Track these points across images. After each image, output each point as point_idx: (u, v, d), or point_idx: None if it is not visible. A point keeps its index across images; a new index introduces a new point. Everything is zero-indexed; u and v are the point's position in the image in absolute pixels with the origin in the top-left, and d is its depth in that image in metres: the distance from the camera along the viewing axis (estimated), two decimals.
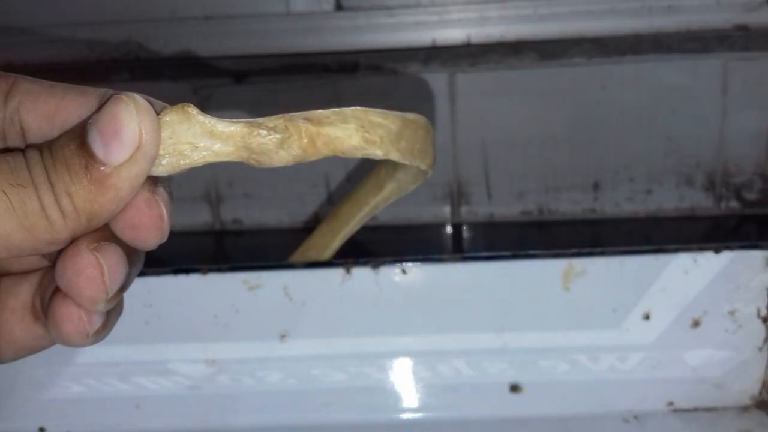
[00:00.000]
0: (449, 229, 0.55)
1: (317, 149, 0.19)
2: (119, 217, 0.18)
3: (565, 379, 0.42)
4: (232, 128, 0.19)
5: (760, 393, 0.42)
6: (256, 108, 0.53)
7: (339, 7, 0.50)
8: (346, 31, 0.51)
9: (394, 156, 0.20)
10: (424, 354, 0.42)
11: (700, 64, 0.50)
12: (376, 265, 0.41)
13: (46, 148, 0.18)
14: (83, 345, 0.19)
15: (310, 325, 0.41)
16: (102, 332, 0.19)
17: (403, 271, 0.41)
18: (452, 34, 0.51)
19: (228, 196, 0.56)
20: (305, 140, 0.19)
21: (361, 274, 0.40)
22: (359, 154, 0.19)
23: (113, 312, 0.20)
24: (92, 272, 0.18)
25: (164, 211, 0.19)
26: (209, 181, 0.54)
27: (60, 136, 0.18)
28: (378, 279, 0.41)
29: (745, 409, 0.41)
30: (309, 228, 0.56)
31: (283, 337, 0.42)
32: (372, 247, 0.42)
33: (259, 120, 0.19)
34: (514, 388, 0.42)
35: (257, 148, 0.19)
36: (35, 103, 0.19)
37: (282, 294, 0.41)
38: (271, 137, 0.19)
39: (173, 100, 0.54)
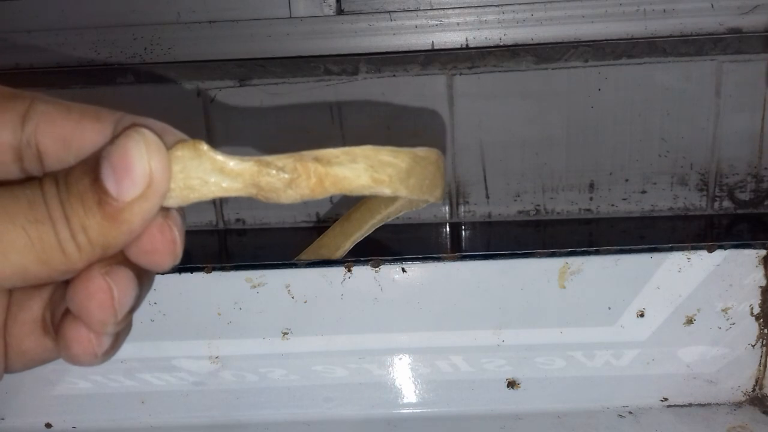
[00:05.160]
0: (448, 229, 0.56)
1: (325, 189, 0.19)
2: (133, 243, 0.18)
3: (561, 376, 0.42)
4: (242, 166, 0.19)
5: (754, 389, 0.42)
6: (258, 110, 0.54)
7: (340, 11, 0.51)
8: (347, 34, 0.51)
9: (403, 193, 0.20)
10: (423, 351, 0.42)
11: (694, 67, 0.51)
12: (376, 264, 0.41)
13: (63, 180, 0.18)
14: (92, 365, 0.19)
15: (312, 322, 0.42)
16: (111, 352, 0.19)
17: (403, 270, 0.41)
18: (451, 38, 0.51)
19: (231, 196, 0.56)
20: (313, 180, 0.19)
21: (362, 272, 0.41)
22: (367, 193, 0.19)
23: (122, 332, 0.20)
24: (103, 297, 0.18)
25: (177, 236, 0.19)
26: None
27: (75, 168, 0.18)
28: (378, 277, 0.41)
29: (738, 405, 0.42)
30: (310, 227, 0.57)
31: (285, 334, 0.42)
32: (372, 246, 0.43)
33: (269, 158, 0.19)
34: (512, 384, 0.43)
35: (266, 187, 0.19)
36: (52, 127, 0.19)
37: (284, 292, 0.41)
38: (280, 177, 0.19)
39: (178, 102, 0.56)
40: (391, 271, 0.41)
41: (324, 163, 0.19)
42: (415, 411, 0.43)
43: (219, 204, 0.57)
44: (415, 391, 0.43)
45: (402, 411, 0.43)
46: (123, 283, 0.18)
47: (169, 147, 0.18)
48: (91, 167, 0.18)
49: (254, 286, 0.41)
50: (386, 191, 0.19)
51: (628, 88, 0.52)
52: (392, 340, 0.42)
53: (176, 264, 0.19)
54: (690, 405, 0.42)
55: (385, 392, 0.43)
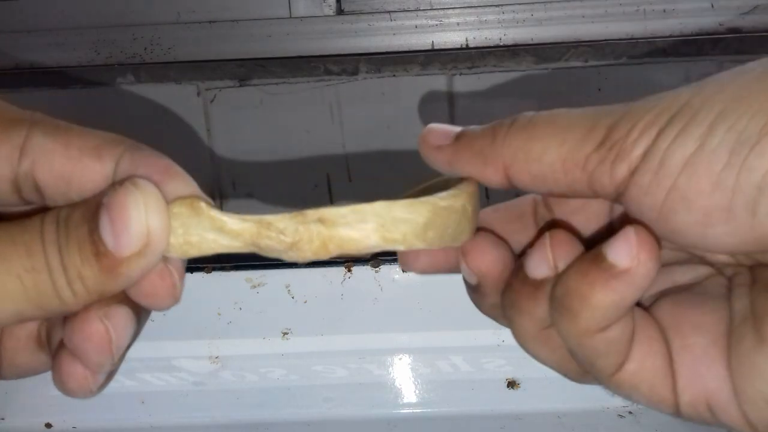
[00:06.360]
0: None
1: (328, 251, 0.18)
2: (132, 286, 0.18)
3: (561, 376, 0.42)
4: (242, 226, 0.18)
5: None
6: (258, 110, 0.54)
7: (340, 11, 0.51)
8: (346, 34, 0.51)
9: (419, 247, 0.18)
10: (423, 351, 0.42)
11: (694, 67, 0.51)
12: (376, 264, 0.41)
13: (63, 224, 0.17)
14: (86, 398, 0.19)
15: (312, 322, 0.42)
16: (106, 384, 0.19)
17: (403, 270, 0.41)
18: (451, 38, 0.51)
19: (231, 196, 0.56)
20: (316, 244, 0.18)
21: (362, 272, 0.41)
22: (378, 251, 0.18)
23: (117, 366, 0.20)
24: (100, 340, 0.18)
25: (177, 280, 0.19)
26: (213, 181, 0.55)
27: (75, 211, 0.18)
28: (378, 277, 0.41)
29: None
30: None
31: (285, 334, 0.42)
32: None
33: (270, 218, 0.18)
34: (511, 384, 0.43)
35: (266, 248, 0.18)
36: (50, 164, 0.18)
37: (284, 292, 0.41)
38: (280, 239, 0.18)
39: (178, 102, 0.56)
40: (391, 271, 0.41)
41: (329, 225, 0.18)
42: (415, 411, 0.43)
43: (219, 204, 0.57)
44: (415, 391, 0.43)
45: (402, 411, 0.43)
46: (121, 325, 0.18)
47: (170, 197, 0.18)
48: (91, 213, 0.17)
49: (254, 286, 0.41)
50: (400, 248, 0.18)
51: (628, 88, 0.52)
52: (392, 340, 0.42)
53: (176, 304, 0.19)
54: None
55: (385, 392, 0.43)
